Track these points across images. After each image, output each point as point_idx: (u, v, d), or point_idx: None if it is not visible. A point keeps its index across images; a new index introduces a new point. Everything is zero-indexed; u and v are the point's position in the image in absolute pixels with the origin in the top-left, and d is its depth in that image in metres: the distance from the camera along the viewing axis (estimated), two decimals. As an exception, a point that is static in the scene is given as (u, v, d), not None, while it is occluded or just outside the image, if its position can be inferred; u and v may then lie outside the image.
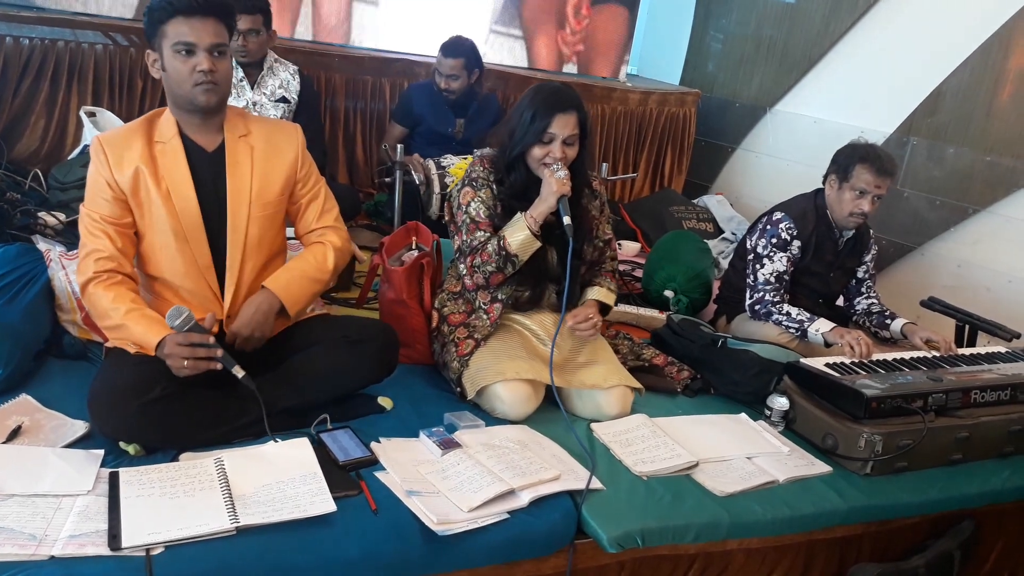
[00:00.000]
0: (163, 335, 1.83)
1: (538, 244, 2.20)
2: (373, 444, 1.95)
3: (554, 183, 2.17)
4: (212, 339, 1.86)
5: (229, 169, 2.01)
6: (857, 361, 2.51)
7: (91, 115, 3.39)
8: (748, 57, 4.97)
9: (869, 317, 3.00)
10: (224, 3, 1.95)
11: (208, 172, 2.00)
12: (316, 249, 2.13)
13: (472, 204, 2.27)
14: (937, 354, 2.67)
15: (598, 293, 2.41)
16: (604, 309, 2.42)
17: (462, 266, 2.31)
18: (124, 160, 1.93)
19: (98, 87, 3.56)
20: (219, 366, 1.84)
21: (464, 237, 2.26)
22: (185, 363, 1.80)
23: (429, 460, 1.92)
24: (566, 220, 2.16)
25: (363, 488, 1.78)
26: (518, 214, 2.21)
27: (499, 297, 2.31)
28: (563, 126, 2.20)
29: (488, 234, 2.24)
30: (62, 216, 2.87)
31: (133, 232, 1.98)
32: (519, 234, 2.18)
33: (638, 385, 2.33)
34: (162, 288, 2.03)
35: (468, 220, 2.26)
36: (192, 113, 1.98)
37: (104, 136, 1.98)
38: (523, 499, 1.81)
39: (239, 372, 1.86)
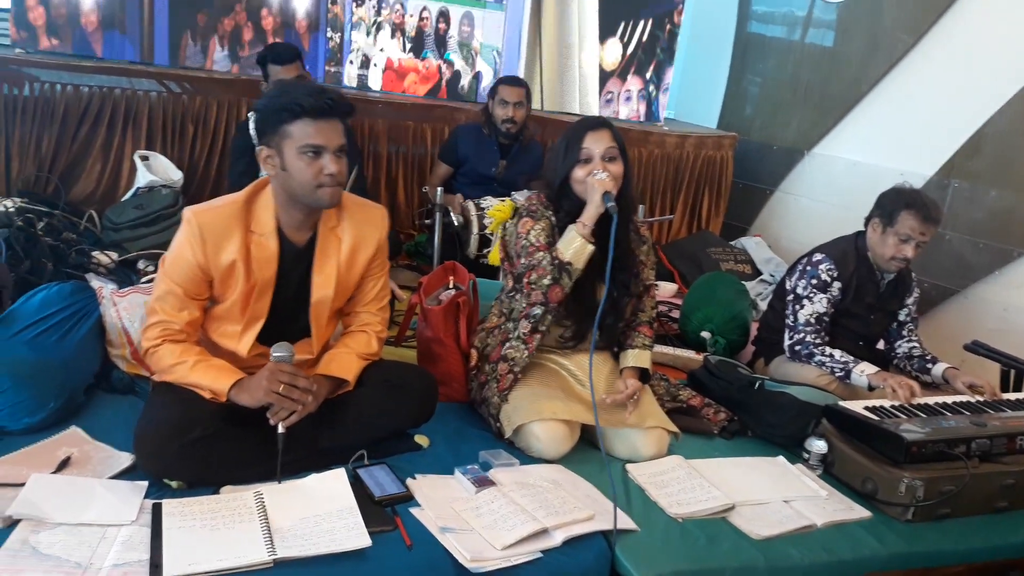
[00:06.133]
0: (234, 379, 1.90)
1: (591, 248, 2.21)
2: (409, 480, 1.97)
3: (595, 183, 2.22)
4: (312, 384, 1.93)
5: (316, 265, 2.04)
6: (898, 405, 2.48)
7: (144, 159, 3.55)
8: (786, 101, 4.99)
9: (910, 361, 2.95)
10: (349, 104, 1.95)
11: (295, 269, 2.03)
12: (359, 337, 2.15)
13: (532, 232, 2.30)
14: (981, 399, 2.62)
15: (635, 359, 2.40)
16: (643, 375, 2.41)
17: (519, 296, 2.33)
18: (222, 250, 1.93)
19: (152, 132, 3.72)
20: (309, 408, 1.91)
21: (523, 260, 2.28)
22: (281, 388, 1.86)
23: (463, 497, 1.94)
24: (610, 204, 2.18)
25: (398, 524, 1.79)
26: (569, 226, 2.25)
27: (540, 328, 2.32)
28: (597, 140, 2.27)
29: (546, 254, 2.27)
30: (114, 255, 2.98)
31: (207, 301, 2.02)
32: (573, 243, 2.21)
33: (676, 429, 2.33)
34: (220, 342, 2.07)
35: (527, 244, 2.29)
36: (301, 210, 1.98)
37: (202, 217, 1.93)
38: (556, 538, 1.81)
39: (282, 427, 1.90)
